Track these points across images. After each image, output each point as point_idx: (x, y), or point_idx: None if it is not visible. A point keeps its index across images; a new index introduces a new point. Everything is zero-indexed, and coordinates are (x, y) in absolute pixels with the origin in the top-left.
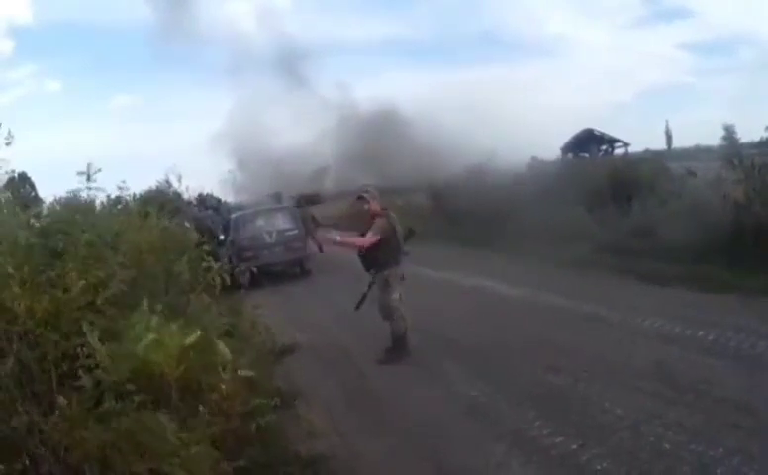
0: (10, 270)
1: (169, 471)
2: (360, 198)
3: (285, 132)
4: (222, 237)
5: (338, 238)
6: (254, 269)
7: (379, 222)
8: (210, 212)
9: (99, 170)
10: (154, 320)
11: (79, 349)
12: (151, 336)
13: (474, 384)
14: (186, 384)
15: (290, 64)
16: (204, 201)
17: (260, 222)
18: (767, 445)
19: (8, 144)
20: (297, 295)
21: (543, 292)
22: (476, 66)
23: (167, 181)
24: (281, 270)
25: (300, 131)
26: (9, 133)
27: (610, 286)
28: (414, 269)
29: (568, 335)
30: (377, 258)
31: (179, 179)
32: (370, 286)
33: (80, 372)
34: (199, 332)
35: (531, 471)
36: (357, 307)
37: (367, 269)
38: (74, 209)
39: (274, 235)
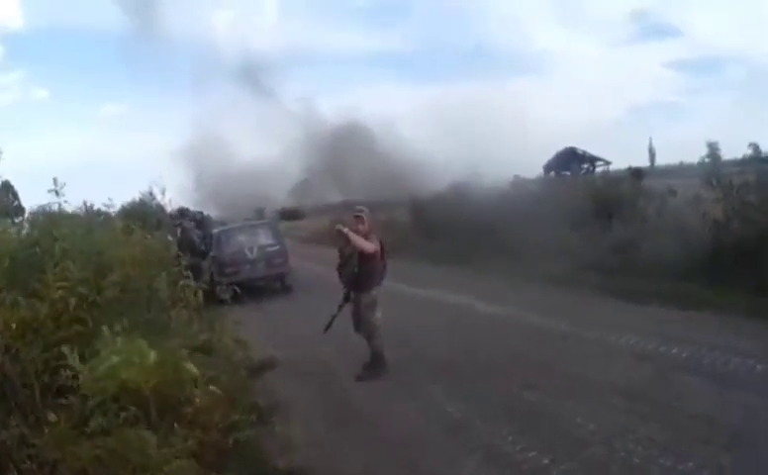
0: None
1: None
2: (357, 217)
3: (249, 145)
4: (205, 251)
5: (350, 233)
6: (236, 287)
7: (374, 237)
8: (193, 226)
9: (64, 184)
10: (119, 341)
11: (62, 370)
12: (115, 358)
13: (451, 400)
14: (164, 400)
15: (255, 77)
16: (187, 215)
17: (242, 237)
18: (736, 459)
19: None
20: (277, 311)
21: (523, 310)
22: (462, 82)
23: (150, 193)
24: (262, 286)
25: (266, 145)
26: None
27: (589, 304)
28: (394, 286)
29: (545, 353)
30: (370, 276)
31: (163, 191)
32: (340, 307)
33: (64, 389)
34: (154, 353)
35: None
36: (326, 329)
37: (355, 288)
38: (58, 223)
39: (255, 250)
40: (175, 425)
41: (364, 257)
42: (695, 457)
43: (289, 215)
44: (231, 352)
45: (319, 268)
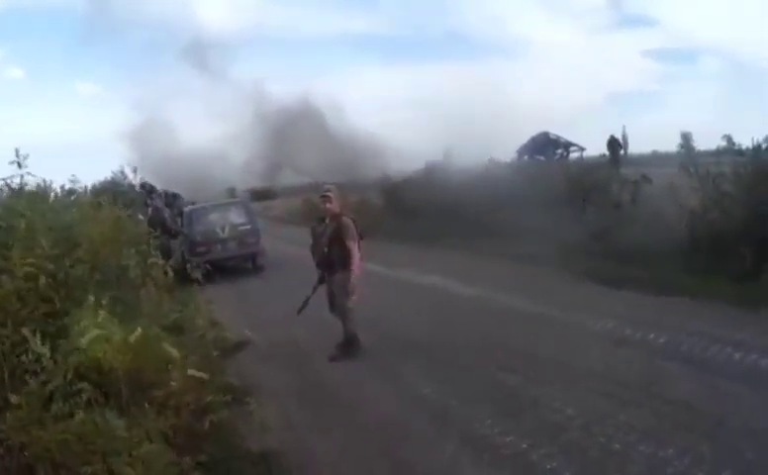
0: None
1: (119, 469)
2: (323, 197)
3: (199, 127)
4: (175, 230)
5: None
6: (208, 265)
7: (349, 225)
8: (164, 204)
9: (27, 156)
10: (101, 315)
11: (24, 355)
12: (96, 332)
13: (426, 382)
14: (135, 380)
15: (204, 58)
16: (155, 192)
17: (213, 216)
18: (717, 446)
19: None
20: (250, 290)
21: (498, 292)
22: (438, 64)
23: (122, 172)
24: (234, 265)
25: (217, 126)
26: None
27: (564, 287)
28: (367, 267)
29: (521, 336)
30: (344, 259)
31: (134, 171)
32: (314, 289)
33: (29, 371)
34: (140, 330)
35: (482, 469)
36: (299, 311)
37: (327, 269)
38: (26, 198)
39: (227, 229)
40: (147, 406)
41: (335, 238)
42: (675, 444)
43: (261, 195)
44: (202, 332)
45: (291, 248)
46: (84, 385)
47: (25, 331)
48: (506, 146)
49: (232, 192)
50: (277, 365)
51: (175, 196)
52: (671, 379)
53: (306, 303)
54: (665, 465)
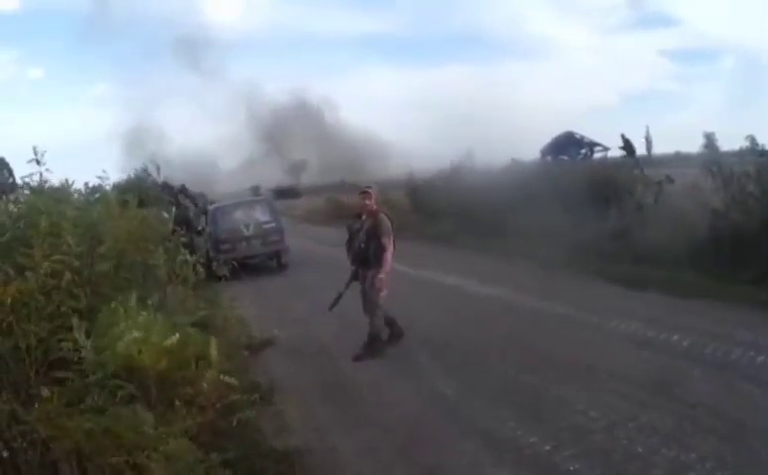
0: None
1: (145, 464)
2: (364, 193)
3: (198, 127)
4: (200, 228)
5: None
6: (234, 263)
7: (385, 221)
8: (189, 202)
9: (45, 152)
10: (142, 316)
11: (61, 344)
12: (136, 334)
13: (448, 382)
14: (164, 379)
15: (196, 57)
16: (184, 191)
17: (238, 214)
18: (740, 450)
19: None
20: (274, 288)
21: (520, 292)
22: (454, 65)
23: (145, 170)
24: (258, 263)
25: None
26: None
27: (587, 288)
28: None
29: (541, 336)
30: (378, 255)
31: (157, 169)
32: (347, 286)
33: (57, 365)
34: (177, 336)
35: (505, 470)
36: (331, 307)
37: (362, 265)
38: (47, 196)
39: (252, 227)
40: (176, 402)
41: (372, 234)
42: (698, 448)
43: (284, 193)
44: (229, 330)
45: (317, 247)
46: (119, 381)
47: (74, 320)
48: (527, 147)
49: (256, 190)
50: (301, 363)
51: (199, 194)
52: (694, 382)
53: (338, 299)
54: (687, 469)
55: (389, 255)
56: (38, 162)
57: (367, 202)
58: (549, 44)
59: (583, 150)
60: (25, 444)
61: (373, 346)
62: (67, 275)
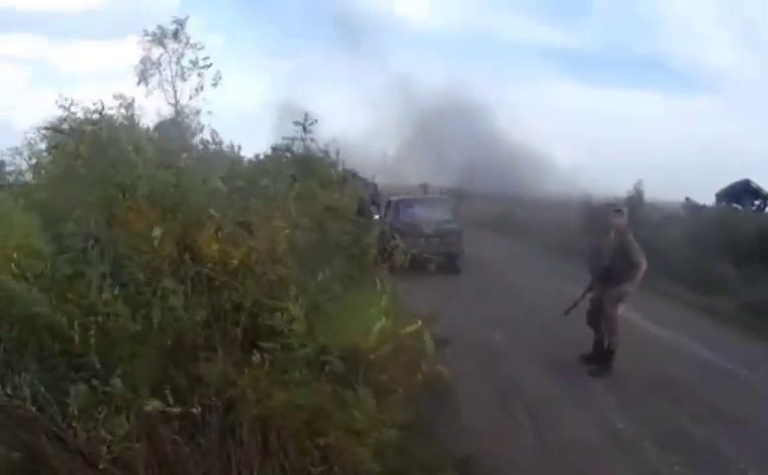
0: (212, 212)
1: (352, 449)
2: (617, 211)
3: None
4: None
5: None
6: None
7: (634, 241)
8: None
9: (315, 121)
10: (384, 301)
11: (278, 313)
12: (383, 321)
13: (621, 416)
14: (375, 364)
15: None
16: (357, 177)
17: (419, 210)
18: None
19: (214, 85)
20: (448, 291)
21: (688, 338)
22: (638, 90)
23: (325, 151)
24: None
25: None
26: (218, 73)
27: (754, 346)
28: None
29: (712, 388)
30: (623, 274)
31: (337, 153)
32: (583, 296)
33: (261, 333)
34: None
35: None
36: (567, 312)
37: (605, 281)
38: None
39: (432, 225)
40: (399, 390)
41: (620, 252)
42: None
43: (459, 196)
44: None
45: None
46: (331, 358)
47: (292, 292)
48: (703, 187)
49: (425, 188)
50: (480, 367)
51: (371, 183)
52: None
53: (575, 305)
54: None
55: (641, 272)
56: (304, 129)
57: (619, 220)
58: (734, 78)
59: (757, 201)
60: (220, 403)
61: (609, 358)
62: (283, 243)
